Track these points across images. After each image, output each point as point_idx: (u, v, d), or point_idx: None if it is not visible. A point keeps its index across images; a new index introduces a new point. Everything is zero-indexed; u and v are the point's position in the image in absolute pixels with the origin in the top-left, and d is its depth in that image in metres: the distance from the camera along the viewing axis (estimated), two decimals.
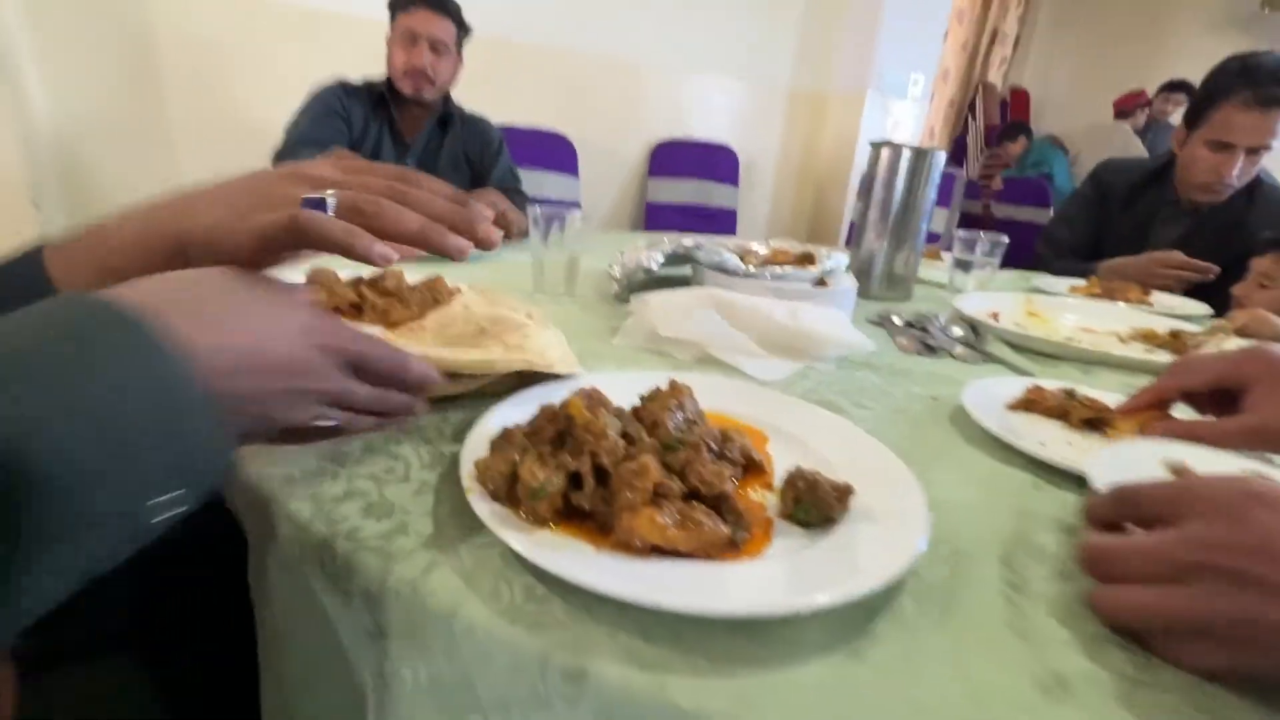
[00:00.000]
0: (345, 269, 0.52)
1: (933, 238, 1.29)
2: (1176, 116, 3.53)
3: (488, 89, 2.20)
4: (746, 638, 0.28)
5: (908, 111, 2.78)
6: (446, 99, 1.56)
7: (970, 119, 4.57)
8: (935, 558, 0.35)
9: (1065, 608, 0.32)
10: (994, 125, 4.47)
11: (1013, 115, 4.55)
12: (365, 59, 1.56)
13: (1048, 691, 0.27)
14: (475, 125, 1.63)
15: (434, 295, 0.68)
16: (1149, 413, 0.50)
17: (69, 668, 0.45)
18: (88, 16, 1.65)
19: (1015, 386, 0.61)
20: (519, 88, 2.29)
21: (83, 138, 1.73)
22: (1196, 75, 1.31)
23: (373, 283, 0.65)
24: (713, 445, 0.36)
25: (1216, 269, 1.23)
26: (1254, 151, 1.23)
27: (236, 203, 0.33)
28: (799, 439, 0.44)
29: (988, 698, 0.26)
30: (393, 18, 1.44)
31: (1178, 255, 1.26)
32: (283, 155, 1.37)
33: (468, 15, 2.09)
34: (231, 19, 1.80)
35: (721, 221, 2.68)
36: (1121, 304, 1.11)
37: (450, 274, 0.76)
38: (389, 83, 1.48)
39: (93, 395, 0.20)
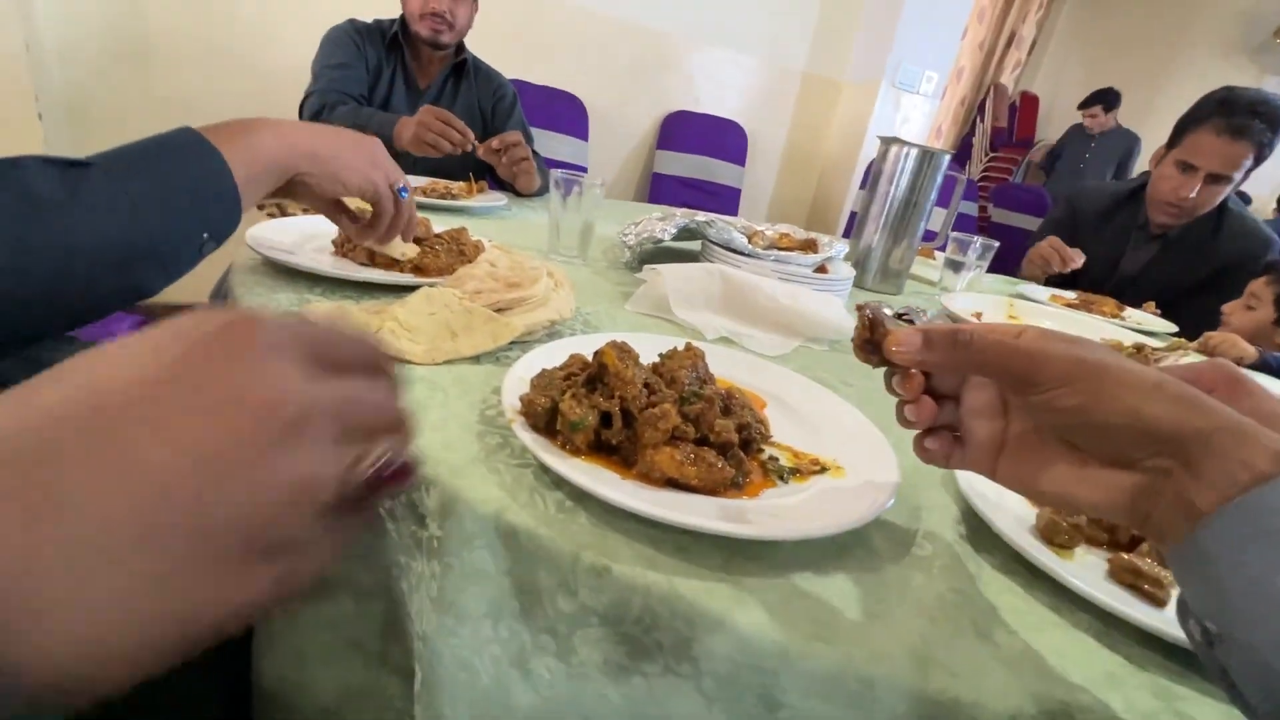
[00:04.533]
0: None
1: (928, 236, 1.34)
2: (1110, 123, 3.82)
3: (506, 43, 2.19)
4: (743, 556, 0.33)
5: (918, 107, 2.80)
6: (460, 47, 1.51)
7: (979, 120, 4.59)
8: (902, 510, 0.41)
9: (1008, 558, 0.38)
10: (1001, 128, 4.50)
11: (1020, 119, 4.58)
12: None
13: (981, 614, 0.33)
14: (489, 77, 1.60)
15: (460, 248, 0.72)
16: None
17: None
18: None
19: None
20: (536, 45, 2.27)
21: (83, 51, 1.70)
22: (1203, 93, 1.35)
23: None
24: (721, 402, 0.41)
25: (1078, 262, 1.37)
26: (1215, 179, 1.28)
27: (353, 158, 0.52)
28: (793, 407, 0.50)
29: (933, 619, 0.32)
30: None
31: (1055, 240, 1.39)
32: (313, 91, 1.36)
33: None
34: None
35: (725, 199, 2.71)
36: (1096, 316, 1.18)
37: (473, 228, 0.80)
38: (403, 25, 1.43)
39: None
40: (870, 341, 0.33)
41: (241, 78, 1.86)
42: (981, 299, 1.07)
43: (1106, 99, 3.83)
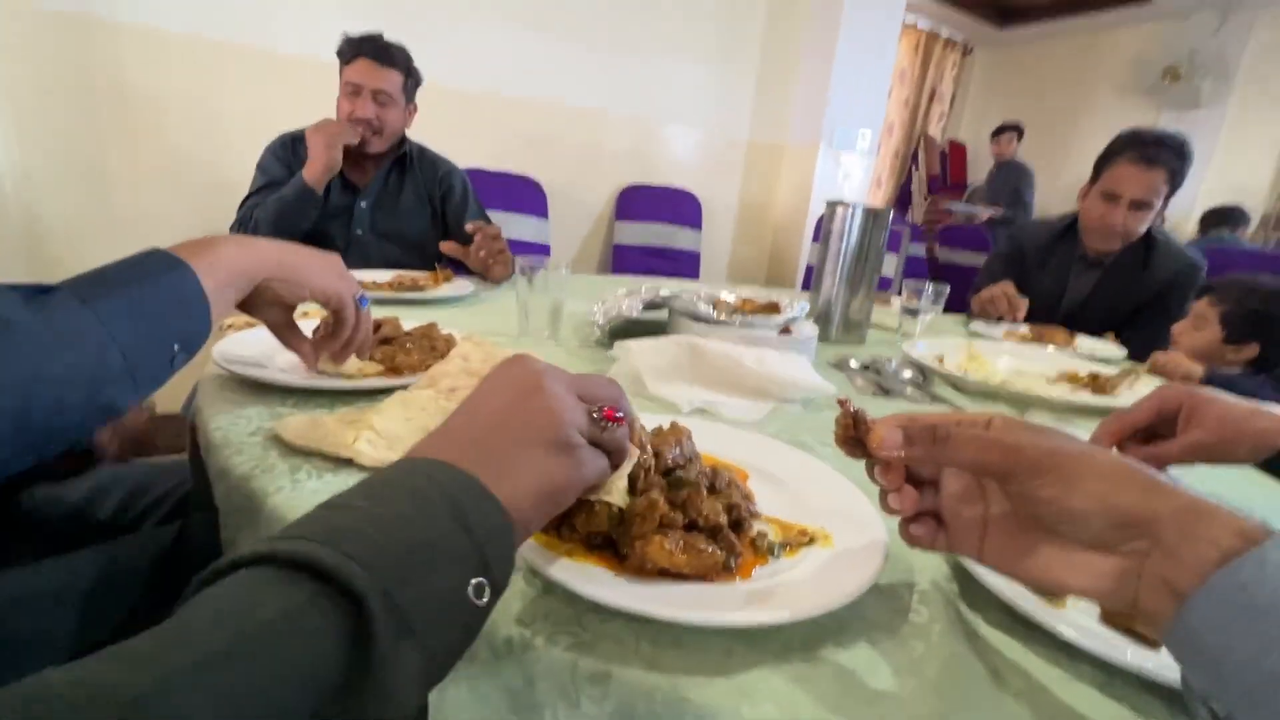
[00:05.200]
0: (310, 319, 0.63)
1: (884, 282, 1.40)
2: (1015, 152, 4.26)
3: (460, 135, 2.28)
4: (744, 644, 0.33)
5: (857, 163, 2.98)
6: (403, 140, 1.54)
7: (914, 168, 4.90)
8: (894, 570, 0.41)
9: (1002, 614, 0.38)
10: (935, 174, 4.80)
11: (952, 166, 4.91)
12: (309, 99, 1.60)
13: (982, 681, 0.33)
14: (434, 164, 1.61)
15: (431, 343, 0.73)
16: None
17: None
18: (44, 66, 1.66)
19: None
20: (491, 135, 2.37)
21: (35, 180, 1.71)
22: (1108, 133, 1.49)
23: (374, 329, 0.69)
24: (706, 481, 0.42)
25: (1023, 311, 1.44)
26: (1137, 206, 1.39)
27: (320, 266, 0.55)
28: (775, 475, 0.51)
29: (939, 687, 0.32)
30: (340, 69, 1.44)
31: (1009, 287, 1.46)
32: (235, 222, 1.39)
33: (444, 72, 2.17)
34: (177, 66, 1.81)
35: (685, 263, 2.79)
36: (1050, 347, 1.23)
37: (440, 318, 0.80)
38: None
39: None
40: (854, 438, 0.35)
41: (199, 194, 1.88)
42: (940, 342, 1.11)
43: (1019, 128, 4.27)
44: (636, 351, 0.75)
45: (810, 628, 0.35)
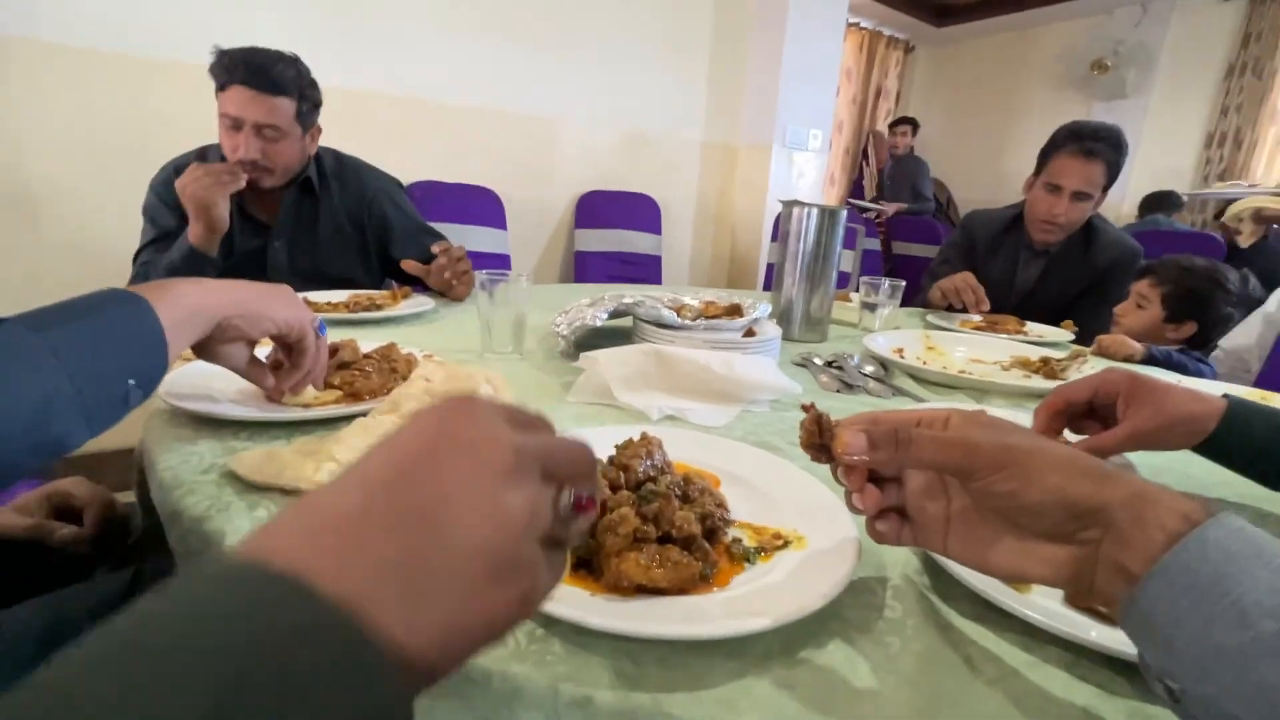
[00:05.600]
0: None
1: (843, 279, 1.43)
2: (908, 143, 4.39)
3: (411, 148, 2.25)
4: (724, 655, 0.33)
5: (810, 162, 3.04)
6: (313, 160, 1.29)
7: (865, 164, 5.03)
8: (867, 567, 0.42)
9: (972, 604, 0.39)
10: (883, 167, 4.94)
11: None
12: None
13: (956, 670, 0.34)
14: (361, 183, 1.34)
15: (391, 365, 0.71)
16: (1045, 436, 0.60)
17: None
18: None
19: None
20: (443, 146, 2.34)
21: None
22: (1043, 123, 1.55)
23: (330, 354, 0.67)
24: (679, 491, 0.42)
25: (982, 307, 1.44)
26: (1079, 197, 1.46)
27: (277, 299, 0.53)
28: (746, 479, 0.51)
29: (916, 681, 0.33)
30: (215, 93, 1.16)
31: (971, 278, 1.47)
32: (137, 260, 1.22)
33: (390, 82, 2.08)
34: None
35: (647, 267, 2.80)
36: (1003, 335, 1.27)
37: (400, 337, 0.79)
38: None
39: None
40: (819, 444, 0.35)
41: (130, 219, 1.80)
42: (899, 335, 1.14)
43: (914, 122, 4.45)
44: (604, 362, 0.75)
45: (789, 631, 0.35)
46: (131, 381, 0.41)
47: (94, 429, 0.39)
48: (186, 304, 0.45)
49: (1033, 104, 4.68)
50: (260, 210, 1.27)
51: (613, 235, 2.73)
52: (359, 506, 0.20)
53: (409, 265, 1.28)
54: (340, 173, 1.34)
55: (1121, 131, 1.44)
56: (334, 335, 0.69)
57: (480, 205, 2.39)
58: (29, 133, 1.64)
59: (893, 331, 1.18)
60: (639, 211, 2.81)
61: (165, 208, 1.21)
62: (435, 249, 1.25)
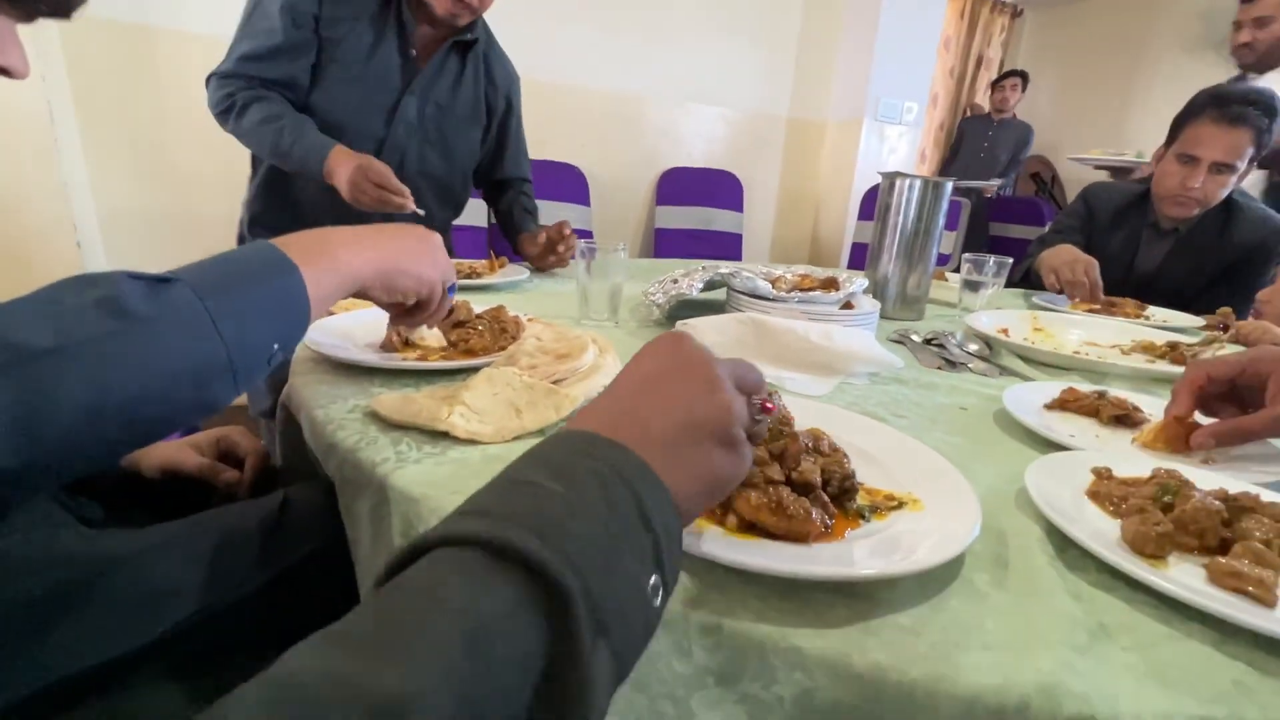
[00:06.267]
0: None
1: (941, 259, 1.36)
2: (1018, 97, 3.73)
3: None
4: (845, 597, 0.34)
5: (903, 136, 2.90)
6: (472, 24, 1.19)
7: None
8: (987, 535, 0.41)
9: (1101, 574, 0.38)
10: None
11: None
12: None
13: (1093, 635, 0.33)
14: (500, 63, 1.26)
15: (501, 325, 0.75)
16: (1176, 424, 0.57)
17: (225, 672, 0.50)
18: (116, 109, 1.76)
19: (1051, 389, 0.68)
20: (531, 122, 2.38)
21: (112, 179, 1.82)
22: (1174, 93, 1.40)
23: (447, 313, 0.72)
24: (810, 443, 0.42)
25: (1092, 303, 1.29)
26: (1219, 169, 1.30)
27: (420, 264, 0.55)
28: (854, 444, 0.51)
29: (1048, 639, 0.32)
30: None
31: (1094, 271, 1.30)
32: (222, 75, 1.08)
33: None
34: None
35: (727, 245, 2.78)
36: (1120, 318, 1.18)
37: (509, 302, 0.83)
38: None
39: None
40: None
41: None
42: (1003, 315, 1.08)
43: (1024, 76, 3.83)
44: (702, 329, 0.76)
45: (909, 588, 0.35)
46: (275, 346, 0.44)
47: (240, 389, 0.43)
48: (335, 276, 0.48)
49: (1161, 71, 4.22)
50: (420, 50, 1.16)
51: (694, 212, 2.72)
52: (634, 404, 0.31)
53: (529, 242, 1.29)
54: (490, 49, 1.24)
55: (1276, 96, 1.29)
56: None
57: (565, 181, 2.44)
58: (174, 118, 1.82)
59: (995, 311, 1.12)
60: (721, 189, 2.78)
61: (295, 11, 1.06)
62: (552, 230, 1.25)
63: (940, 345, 0.92)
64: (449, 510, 0.39)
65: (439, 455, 0.47)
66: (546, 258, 1.28)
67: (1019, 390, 0.68)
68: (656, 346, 0.34)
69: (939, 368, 0.83)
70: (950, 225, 1.76)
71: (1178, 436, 0.56)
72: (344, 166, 1.03)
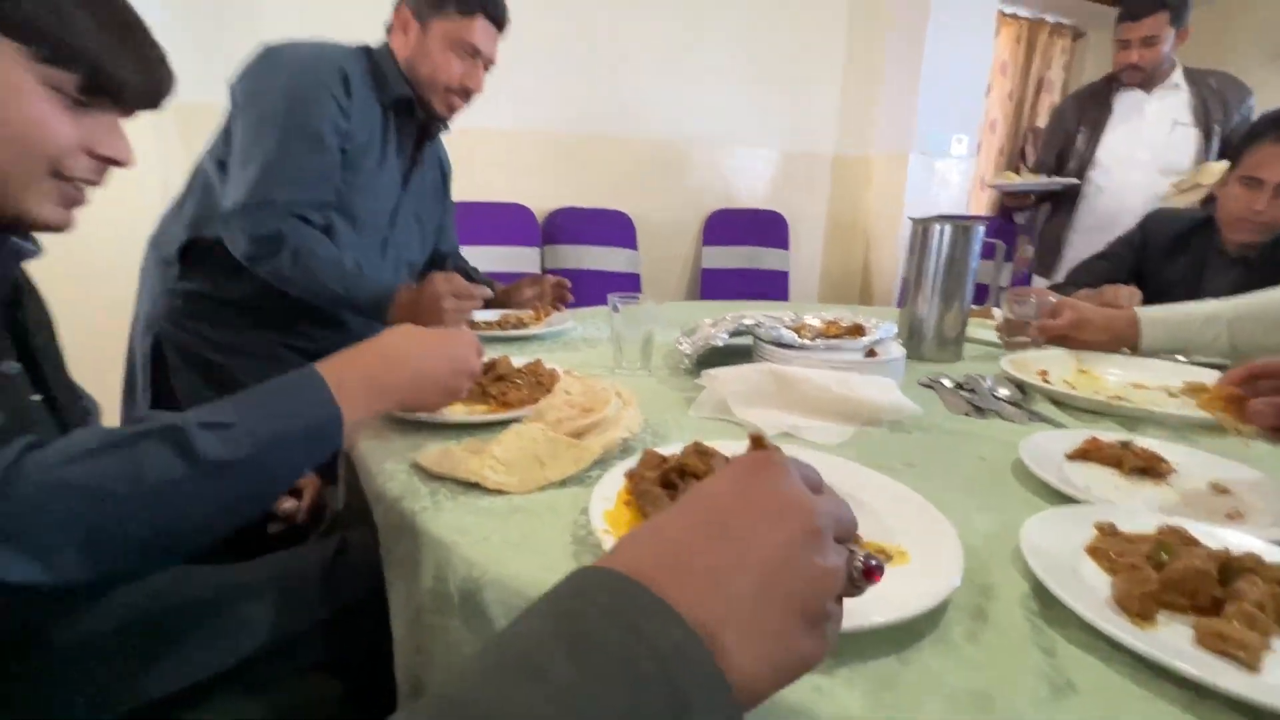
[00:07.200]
0: None
1: (982, 292, 1.34)
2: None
3: (550, 177, 2.45)
4: None
5: (954, 168, 2.86)
6: None
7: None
8: (971, 589, 0.43)
9: (1082, 632, 0.39)
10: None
11: None
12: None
13: (1057, 691, 0.35)
14: (439, 140, 1.32)
15: (538, 378, 0.82)
16: (1230, 394, 0.59)
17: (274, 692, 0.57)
18: None
19: (1075, 438, 0.68)
20: (580, 174, 2.53)
21: None
22: (1258, 111, 1.35)
23: (487, 369, 0.79)
24: None
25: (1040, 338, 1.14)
26: None
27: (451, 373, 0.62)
28: (854, 497, 0.53)
29: (1006, 691, 0.34)
30: (437, 14, 1.11)
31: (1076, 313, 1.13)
32: (273, 203, 0.99)
33: (530, 116, 2.28)
34: None
35: (774, 283, 2.80)
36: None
37: (545, 353, 0.90)
38: (407, 81, 1.14)
39: None
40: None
41: None
42: (1045, 355, 1.07)
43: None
44: (723, 379, 0.80)
45: (882, 638, 0.38)
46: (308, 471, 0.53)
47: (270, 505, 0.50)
48: (370, 407, 0.54)
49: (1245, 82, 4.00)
50: (409, 145, 1.22)
51: (740, 252, 2.77)
52: (708, 547, 0.24)
53: (526, 297, 1.33)
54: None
55: None
56: (489, 352, 0.80)
57: (613, 227, 2.55)
58: None
59: (1038, 351, 1.10)
60: (767, 228, 2.83)
61: (336, 109, 1.03)
62: (532, 287, 1.31)
63: (971, 390, 0.92)
64: (476, 558, 0.45)
65: (471, 504, 0.53)
66: (534, 301, 1.32)
67: (1040, 439, 0.68)
68: (740, 468, 0.27)
69: (965, 414, 0.83)
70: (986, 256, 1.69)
71: (1236, 401, 0.58)
72: (407, 299, 1.04)
